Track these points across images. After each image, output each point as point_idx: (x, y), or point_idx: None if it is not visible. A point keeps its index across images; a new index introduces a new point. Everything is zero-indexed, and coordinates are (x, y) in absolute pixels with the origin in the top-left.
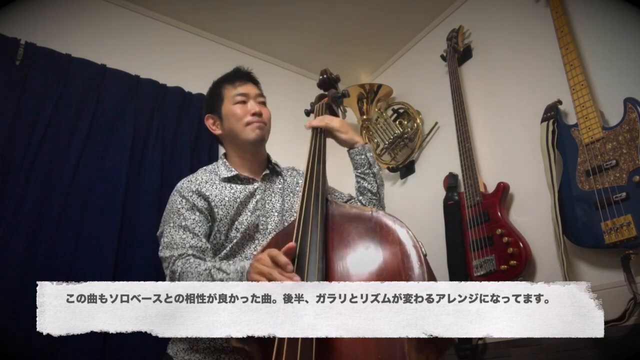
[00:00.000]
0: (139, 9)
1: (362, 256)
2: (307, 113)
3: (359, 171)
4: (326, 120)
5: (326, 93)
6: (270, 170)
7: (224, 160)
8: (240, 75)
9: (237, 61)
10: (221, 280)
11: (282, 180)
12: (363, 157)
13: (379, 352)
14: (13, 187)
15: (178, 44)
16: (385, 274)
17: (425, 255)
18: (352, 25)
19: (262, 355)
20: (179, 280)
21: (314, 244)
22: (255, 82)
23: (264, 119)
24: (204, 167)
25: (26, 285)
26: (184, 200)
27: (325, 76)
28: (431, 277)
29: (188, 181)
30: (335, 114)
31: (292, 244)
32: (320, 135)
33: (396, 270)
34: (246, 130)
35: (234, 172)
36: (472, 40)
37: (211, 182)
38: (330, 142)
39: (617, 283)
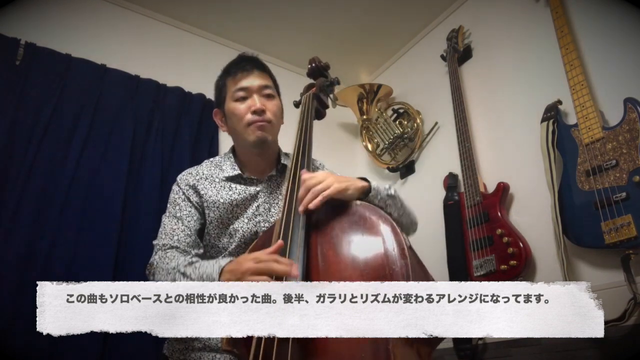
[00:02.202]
0: (139, 9)
1: (345, 251)
2: (296, 105)
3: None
4: (325, 193)
5: (314, 82)
6: (279, 170)
7: (231, 155)
8: (242, 65)
9: None
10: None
11: None
12: (378, 199)
13: (362, 349)
14: (13, 186)
15: (178, 44)
16: (369, 269)
17: (409, 247)
18: (352, 25)
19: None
20: (153, 273)
21: (295, 241)
22: (261, 69)
23: (267, 117)
24: (211, 159)
25: (26, 285)
26: (180, 192)
27: (313, 64)
28: (416, 269)
29: (188, 173)
30: (324, 104)
31: (281, 241)
32: (307, 127)
33: (379, 264)
34: (247, 132)
35: (237, 172)
36: (472, 40)
37: (211, 179)
38: (326, 139)
39: (617, 283)
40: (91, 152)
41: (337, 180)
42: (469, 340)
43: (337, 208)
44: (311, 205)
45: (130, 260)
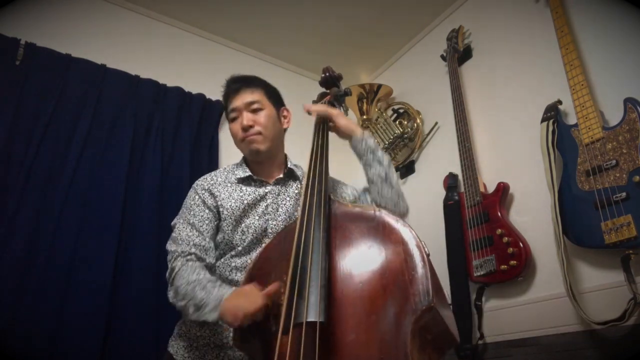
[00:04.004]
0: (139, 9)
1: (364, 255)
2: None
3: (363, 160)
4: (327, 108)
5: (328, 91)
6: (286, 174)
7: (243, 162)
8: (231, 87)
9: (237, 61)
10: (201, 299)
11: (299, 185)
12: (363, 145)
13: (381, 352)
14: (13, 187)
15: (178, 44)
16: (388, 273)
17: (428, 255)
18: (352, 25)
19: (263, 355)
20: (174, 278)
21: (316, 243)
22: (248, 85)
23: (254, 130)
24: (225, 166)
25: (26, 285)
26: (196, 197)
27: (327, 74)
28: (434, 277)
29: (203, 179)
30: None
31: (275, 285)
32: (323, 133)
33: (399, 269)
34: (242, 146)
35: (248, 174)
36: (472, 40)
37: (224, 183)
38: (334, 140)
39: (617, 283)
40: (91, 152)
41: (341, 114)
42: (469, 340)
43: (355, 213)
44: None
45: (131, 260)
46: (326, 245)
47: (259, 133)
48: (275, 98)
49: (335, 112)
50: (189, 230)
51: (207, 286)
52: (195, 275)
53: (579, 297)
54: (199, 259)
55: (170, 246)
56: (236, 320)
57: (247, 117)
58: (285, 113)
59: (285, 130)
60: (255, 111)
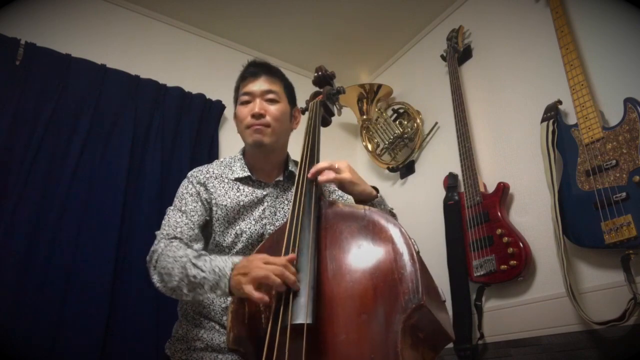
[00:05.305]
0: (139, 9)
1: (354, 255)
2: (303, 111)
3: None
4: (337, 175)
5: (321, 90)
6: (286, 177)
7: (241, 157)
8: (251, 71)
9: (236, 61)
10: (194, 277)
11: None
12: (381, 209)
13: (372, 351)
14: (13, 187)
15: (178, 44)
16: (378, 273)
17: (417, 253)
18: (352, 25)
19: (256, 357)
20: (157, 260)
21: (306, 243)
22: (269, 74)
23: (265, 121)
24: (222, 159)
25: (26, 285)
26: (190, 186)
27: (319, 73)
28: (424, 274)
29: (199, 171)
30: (331, 112)
31: (293, 254)
32: (314, 133)
33: (388, 268)
34: (246, 134)
35: (247, 174)
36: (472, 40)
37: (220, 178)
38: (325, 139)
39: (617, 283)
40: (91, 152)
41: (353, 173)
42: (469, 340)
43: (345, 213)
44: (321, 178)
45: (131, 260)
46: (316, 245)
47: (268, 125)
48: (291, 95)
49: (348, 177)
50: (178, 216)
51: (198, 263)
52: (182, 252)
53: (579, 297)
54: (185, 244)
55: (158, 231)
56: (254, 281)
57: (260, 105)
58: (296, 114)
59: (291, 130)
60: (270, 101)
